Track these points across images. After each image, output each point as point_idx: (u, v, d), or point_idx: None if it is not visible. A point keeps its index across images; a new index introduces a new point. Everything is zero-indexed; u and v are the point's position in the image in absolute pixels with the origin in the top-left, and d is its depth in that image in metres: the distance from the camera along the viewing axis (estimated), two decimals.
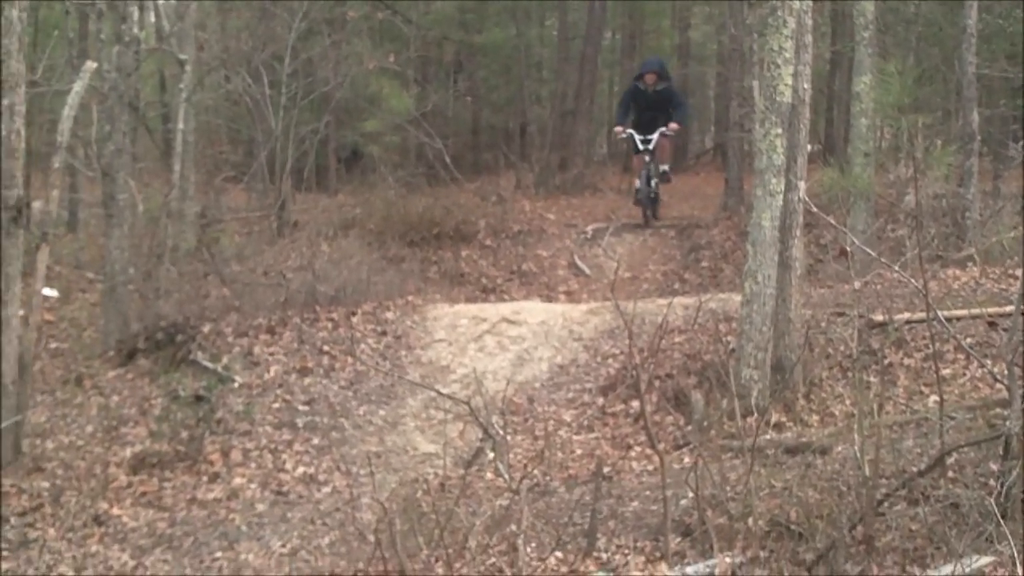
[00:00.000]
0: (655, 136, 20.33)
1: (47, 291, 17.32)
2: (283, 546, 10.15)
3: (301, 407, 13.79)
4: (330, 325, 15.77)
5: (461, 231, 22.02)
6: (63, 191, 21.38)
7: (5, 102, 13.14)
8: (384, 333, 15.63)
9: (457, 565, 5.56)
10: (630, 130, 20.77)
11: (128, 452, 12.90)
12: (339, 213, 23.68)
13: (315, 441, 12.91)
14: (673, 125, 20.50)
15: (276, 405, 13.83)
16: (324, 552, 9.60)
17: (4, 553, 10.63)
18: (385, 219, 22.49)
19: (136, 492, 11.97)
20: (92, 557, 10.37)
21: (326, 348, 15.15)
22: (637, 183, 21.30)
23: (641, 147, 20.55)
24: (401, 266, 20.09)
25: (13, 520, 11.45)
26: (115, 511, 11.46)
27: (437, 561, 6.31)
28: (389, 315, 16.04)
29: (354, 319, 15.89)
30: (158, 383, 14.76)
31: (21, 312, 13.42)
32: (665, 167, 21.17)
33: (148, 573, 9.94)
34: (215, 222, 22.24)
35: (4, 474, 12.53)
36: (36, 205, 13.43)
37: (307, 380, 14.44)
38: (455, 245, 21.77)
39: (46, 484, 12.20)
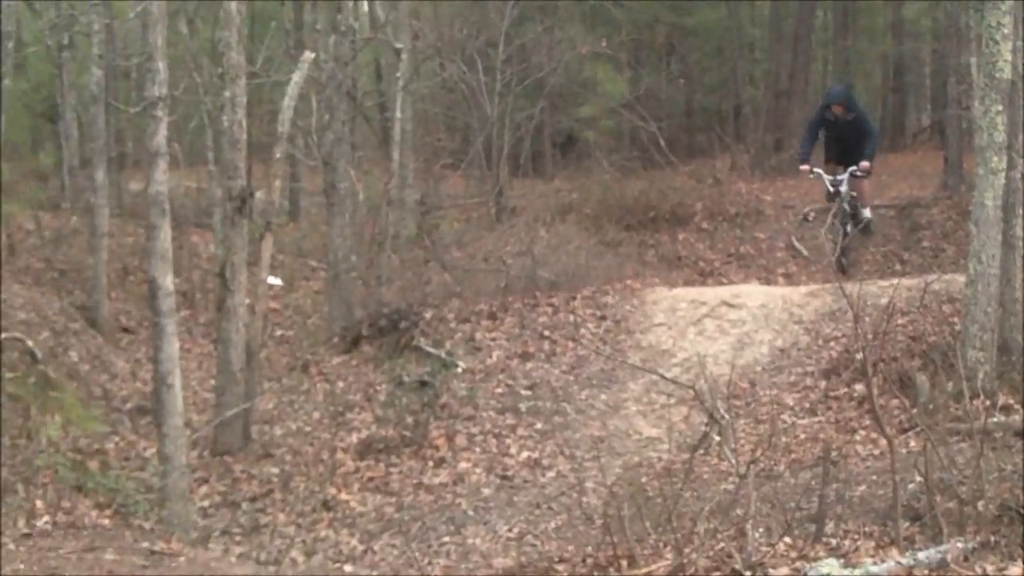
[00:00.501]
0: (845, 176, 16.62)
1: (272, 279, 17.62)
2: (509, 530, 10.10)
3: (524, 392, 13.75)
4: (550, 310, 15.71)
5: (677, 214, 21.80)
6: (285, 181, 21.74)
7: (227, 94, 13.37)
8: (604, 317, 15.51)
9: (686, 550, 5.42)
10: (818, 169, 17.05)
11: (354, 438, 13.02)
12: (556, 198, 23.66)
13: (538, 426, 12.85)
14: (864, 164, 16.58)
15: (499, 390, 13.83)
16: (551, 536, 9.52)
17: (237, 538, 10.80)
18: (601, 203, 22.38)
19: (363, 477, 12.06)
20: (322, 542, 10.46)
21: (547, 333, 15.10)
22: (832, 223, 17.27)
23: (832, 188, 16.77)
24: (618, 250, 19.96)
25: (244, 505, 11.63)
26: (343, 496, 11.56)
27: (665, 546, 6.17)
28: (608, 299, 15.91)
29: (574, 303, 15.81)
30: (382, 369, 14.89)
31: (247, 301, 13.64)
32: (867, 213, 17.40)
33: (377, 558, 9.98)
34: (435, 209, 22.44)
35: (234, 460, 12.76)
36: (259, 195, 13.64)
37: (529, 365, 14.40)
38: (671, 228, 21.54)
39: (275, 470, 12.38)
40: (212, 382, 14.71)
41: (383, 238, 18.96)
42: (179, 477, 10.56)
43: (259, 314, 14.05)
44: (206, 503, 11.72)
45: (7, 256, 18.15)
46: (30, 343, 14.32)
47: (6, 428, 12.28)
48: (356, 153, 21.12)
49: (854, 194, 16.83)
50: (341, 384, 15.05)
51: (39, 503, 10.34)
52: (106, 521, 10.09)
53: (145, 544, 7.26)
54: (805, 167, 16.97)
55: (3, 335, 14.06)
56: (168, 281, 10.69)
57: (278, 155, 14.59)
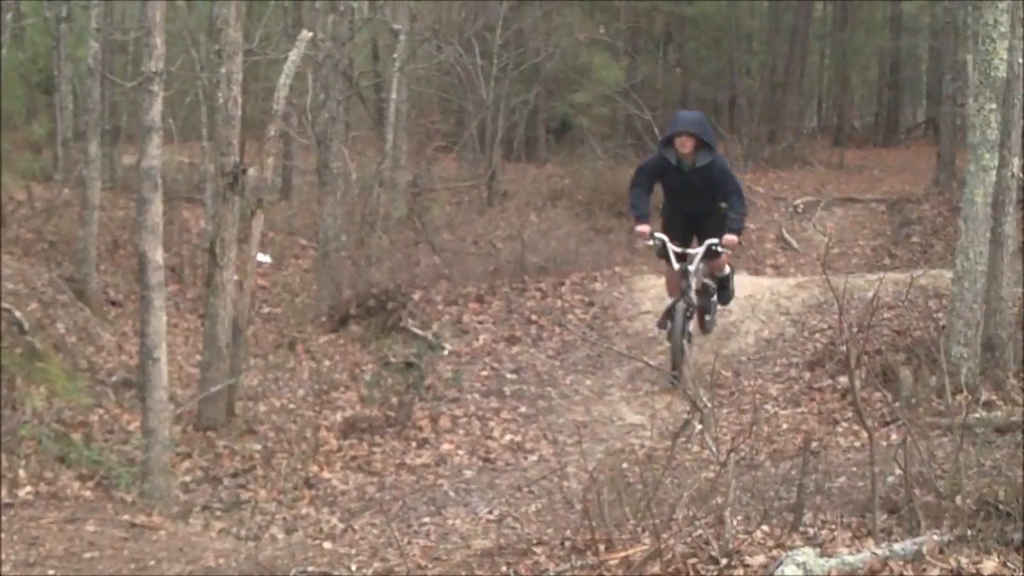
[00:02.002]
0: (699, 251, 12.57)
1: (261, 257, 17.66)
2: (490, 512, 10.12)
3: (509, 375, 13.81)
4: (538, 295, 15.77)
5: None
6: (278, 159, 21.81)
7: (222, 70, 13.35)
8: (591, 304, 15.57)
9: (664, 536, 5.46)
10: (661, 235, 12.76)
11: (339, 416, 13.05)
12: (548, 184, 23.74)
13: (522, 409, 12.89)
14: (729, 237, 12.45)
15: (484, 373, 13.88)
16: (531, 519, 9.55)
17: (218, 513, 10.81)
18: (593, 190, 22.48)
19: (346, 456, 12.08)
20: (303, 519, 10.47)
21: (534, 317, 15.15)
22: (669, 302, 13.08)
23: (677, 263, 12.64)
24: (608, 237, 20.04)
25: (226, 481, 11.64)
26: (325, 474, 11.58)
27: (644, 531, 6.20)
28: (597, 286, 15.99)
29: (562, 289, 15.87)
30: (369, 349, 14.94)
31: (236, 277, 13.64)
32: (725, 275, 13.60)
33: (357, 536, 10.01)
34: (426, 191, 22.49)
35: (218, 436, 12.77)
36: (251, 172, 13.61)
37: (515, 349, 14.46)
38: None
39: (258, 446, 12.39)
40: (198, 357, 14.73)
41: (374, 219, 19.01)
42: (161, 451, 10.57)
43: (247, 291, 14.05)
44: (188, 478, 11.73)
45: None
46: (17, 314, 14.34)
47: None
48: (350, 133, 21.11)
49: (706, 281, 13.19)
50: (327, 363, 15.09)
51: (21, 473, 10.36)
52: (88, 493, 10.12)
53: (126, 517, 7.30)
54: (643, 228, 12.65)
55: None
56: (158, 255, 10.69)
57: (272, 133, 14.57)
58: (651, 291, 15.53)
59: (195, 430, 12.96)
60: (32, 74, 24.68)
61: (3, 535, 6.10)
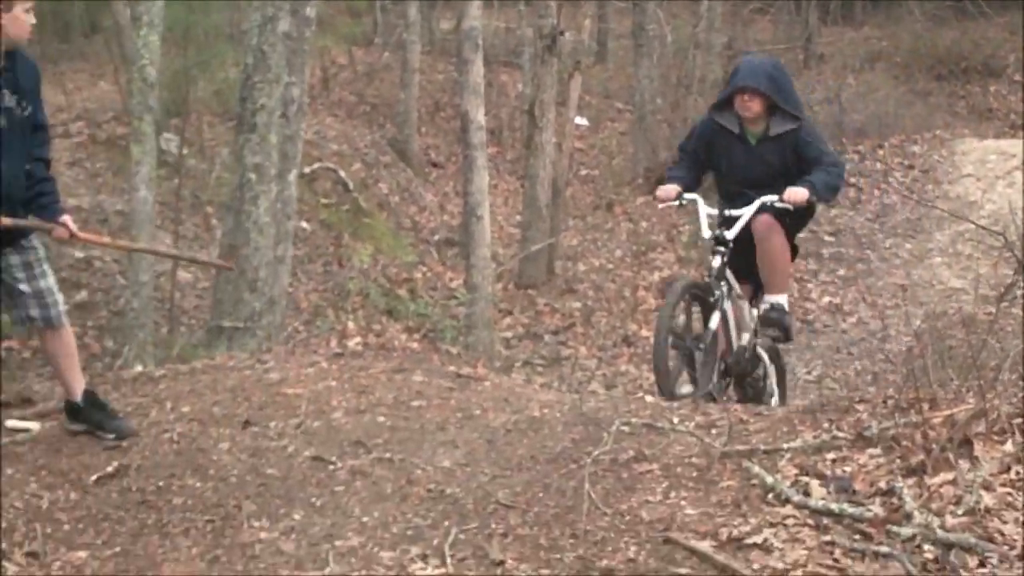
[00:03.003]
0: (746, 212, 7.44)
1: (579, 119, 17.76)
2: (808, 373, 10.16)
3: (827, 238, 13.68)
4: (856, 157, 15.52)
5: (989, 66, 21.16)
6: (594, 21, 21.80)
7: None
8: (911, 167, 15.27)
9: (989, 396, 5.40)
10: (692, 195, 7.72)
11: (656, 276, 13.16)
12: (865, 46, 23.18)
13: (840, 272, 12.79)
14: (796, 191, 7.27)
15: (802, 235, 13.78)
16: (850, 379, 9.55)
17: (539, 368, 11.09)
18: (912, 52, 21.88)
19: None
20: (622, 375, 10.66)
21: (852, 180, 14.92)
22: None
23: (709, 233, 7.61)
24: (928, 100, 19.54)
25: (547, 337, 11.92)
26: (643, 332, 11.72)
27: (968, 391, 6.14)
28: (916, 149, 15.65)
29: (881, 152, 15.56)
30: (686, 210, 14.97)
31: (554, 139, 13.81)
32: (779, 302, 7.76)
33: None
34: (741, 53, 22.20)
35: (538, 294, 13.06)
36: (568, 35, 13.73)
37: (833, 212, 14.27)
38: (983, 80, 20.93)
39: (577, 305, 12.62)
40: (518, 218, 15.00)
41: (689, 81, 18.90)
42: (485, 306, 10.89)
43: (565, 152, 14.23)
44: (509, 334, 12.04)
45: (320, 90, 18.69)
46: (342, 173, 14.84)
47: (319, 254, 12.83)
48: None
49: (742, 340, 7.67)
50: (644, 224, 15.17)
51: (351, 325, 10.82)
52: (415, 345, 10.50)
53: (452, 368, 7.53)
54: (667, 188, 7.63)
55: (316, 165, 14.61)
56: (479, 115, 10.95)
57: None
58: (972, 154, 15.17)
59: (516, 288, 13.28)
60: None
61: (334, 383, 6.39)
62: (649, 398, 6.97)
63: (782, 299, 7.57)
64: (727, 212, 7.37)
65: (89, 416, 5.63)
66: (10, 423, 5.83)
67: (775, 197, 7.18)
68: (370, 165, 16.23)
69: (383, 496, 4.98)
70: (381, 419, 5.80)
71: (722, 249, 7.27)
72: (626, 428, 5.47)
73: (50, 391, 6.68)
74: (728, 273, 7.40)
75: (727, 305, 7.35)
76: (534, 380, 10.30)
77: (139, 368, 7.70)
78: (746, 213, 7.28)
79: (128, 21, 13.48)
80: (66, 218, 5.49)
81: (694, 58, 19.19)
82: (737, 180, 7.62)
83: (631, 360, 11.10)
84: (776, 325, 7.56)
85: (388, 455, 5.40)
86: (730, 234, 7.20)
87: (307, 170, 13.55)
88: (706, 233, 7.35)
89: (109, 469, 5.23)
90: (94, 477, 5.17)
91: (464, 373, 7.02)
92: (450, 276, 13.62)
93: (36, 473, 5.27)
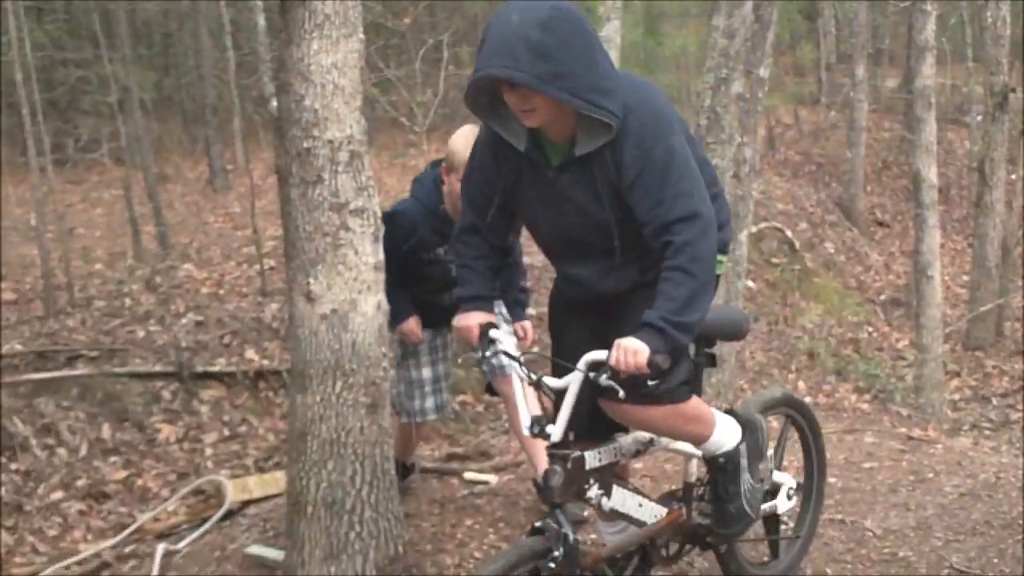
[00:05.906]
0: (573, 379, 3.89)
1: None
2: None
3: None
4: None
5: None
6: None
7: None
8: None
9: None
10: (497, 332, 4.10)
11: None
12: None
13: None
14: (633, 348, 3.66)
15: None
16: None
17: (986, 432, 10.85)
18: None
19: None
20: None
21: None
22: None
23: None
24: None
25: (995, 400, 11.68)
26: None
27: None
28: None
29: None
30: None
31: (1004, 197, 13.58)
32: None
33: None
34: None
35: (986, 355, 12.85)
36: (1019, 92, 13.49)
37: None
38: None
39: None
40: (965, 277, 14.78)
41: None
42: (935, 367, 10.84)
43: (1016, 211, 13.97)
44: (956, 396, 11.88)
45: (766, 149, 18.87)
46: (789, 232, 14.97)
47: (764, 312, 13.00)
48: None
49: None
50: None
51: (801, 384, 10.93)
52: (864, 406, 10.51)
53: (903, 429, 7.58)
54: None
55: (763, 224, 14.79)
56: (931, 173, 10.94)
57: None
58: None
59: (964, 349, 13.12)
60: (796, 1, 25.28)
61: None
62: None
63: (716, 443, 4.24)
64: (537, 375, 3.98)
65: None
66: (469, 475, 6.21)
67: (602, 357, 3.75)
68: (816, 224, 16.29)
69: (834, 558, 5.10)
70: (832, 479, 5.90)
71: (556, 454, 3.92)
72: None
73: (506, 445, 7.07)
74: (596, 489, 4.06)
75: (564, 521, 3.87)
76: (982, 443, 10.17)
77: None
78: (570, 388, 3.88)
79: None
80: None
81: None
82: (548, 248, 4.22)
83: None
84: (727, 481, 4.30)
85: (840, 516, 5.51)
86: (555, 435, 3.87)
87: (754, 229, 13.74)
88: (525, 422, 3.95)
89: None
90: None
91: (915, 435, 7.07)
92: (896, 336, 13.55)
93: (494, 525, 5.60)
